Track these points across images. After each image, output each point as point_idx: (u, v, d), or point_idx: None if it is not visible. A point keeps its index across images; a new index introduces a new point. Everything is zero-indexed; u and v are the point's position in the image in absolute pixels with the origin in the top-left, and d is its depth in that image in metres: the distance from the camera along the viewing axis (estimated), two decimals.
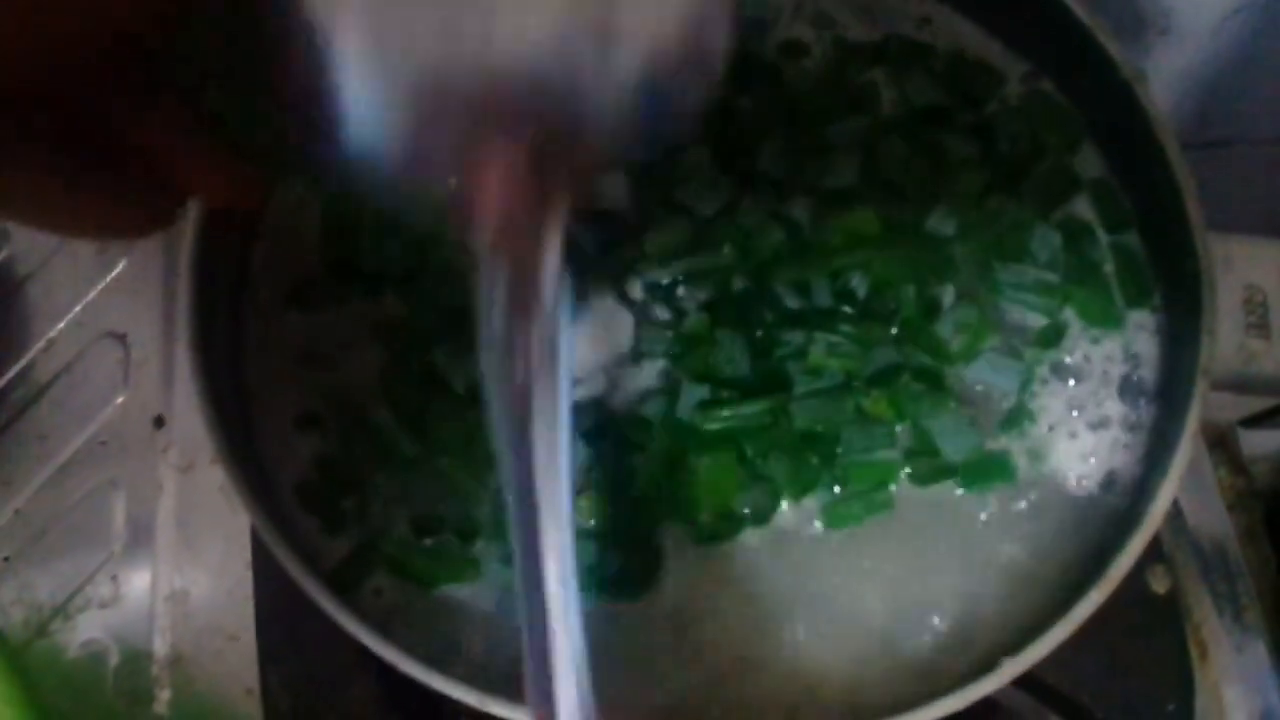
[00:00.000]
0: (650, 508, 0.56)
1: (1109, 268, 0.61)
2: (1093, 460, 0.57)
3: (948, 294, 0.59)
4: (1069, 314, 0.60)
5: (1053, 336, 0.59)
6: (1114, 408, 0.58)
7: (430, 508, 0.57)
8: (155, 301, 0.75)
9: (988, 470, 0.57)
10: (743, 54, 0.66)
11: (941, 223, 0.60)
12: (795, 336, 0.58)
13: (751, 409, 0.56)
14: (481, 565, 0.56)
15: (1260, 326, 0.54)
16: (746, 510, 0.56)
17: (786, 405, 0.56)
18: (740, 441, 0.56)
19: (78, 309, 0.76)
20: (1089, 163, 0.63)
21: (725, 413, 0.56)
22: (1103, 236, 0.61)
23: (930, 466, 0.57)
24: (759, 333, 0.58)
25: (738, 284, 0.59)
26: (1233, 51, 0.86)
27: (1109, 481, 0.57)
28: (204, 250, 0.56)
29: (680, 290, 0.59)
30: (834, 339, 0.57)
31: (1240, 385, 0.55)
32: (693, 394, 0.57)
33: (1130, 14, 0.84)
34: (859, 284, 0.58)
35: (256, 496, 0.50)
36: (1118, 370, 0.59)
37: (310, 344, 0.61)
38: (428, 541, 0.56)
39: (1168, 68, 0.89)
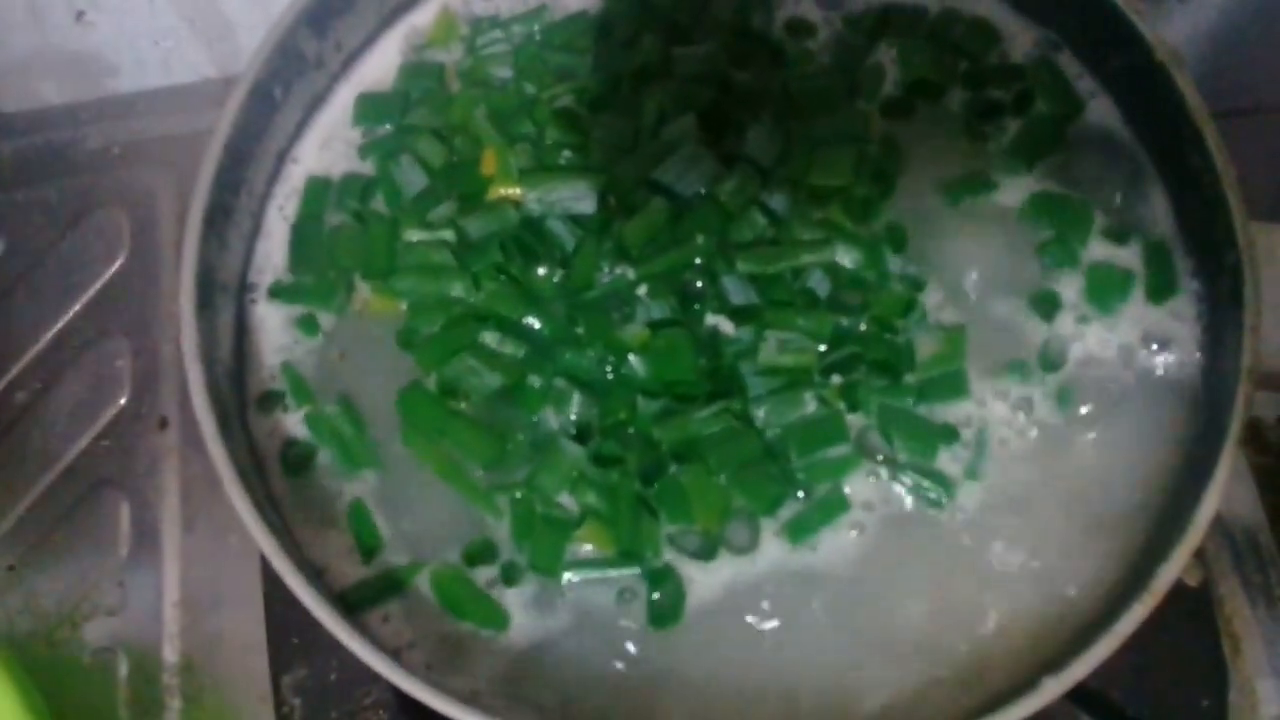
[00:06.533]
0: (648, 527, 0.54)
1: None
2: (1131, 459, 0.55)
3: (926, 297, 0.57)
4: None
5: (1050, 307, 0.57)
6: (1151, 405, 0.56)
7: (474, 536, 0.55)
8: (159, 298, 0.74)
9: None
10: (746, 29, 0.64)
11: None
12: (745, 333, 0.56)
13: (706, 413, 0.54)
14: (511, 618, 0.53)
15: None
16: (735, 542, 0.54)
17: (744, 410, 0.55)
18: (705, 454, 0.54)
19: (77, 306, 0.74)
20: (1121, 147, 0.61)
21: (682, 421, 0.54)
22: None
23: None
24: (707, 330, 0.57)
25: (687, 278, 0.57)
26: (1252, 18, 0.85)
27: (1149, 483, 0.54)
28: (207, 250, 0.55)
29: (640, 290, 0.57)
30: (785, 335, 0.55)
31: None
32: (648, 406, 0.55)
33: None
34: (820, 282, 0.57)
35: (266, 521, 0.48)
36: (1147, 363, 0.56)
37: (314, 346, 0.59)
38: (477, 574, 0.54)
39: (1188, 35, 0.87)
